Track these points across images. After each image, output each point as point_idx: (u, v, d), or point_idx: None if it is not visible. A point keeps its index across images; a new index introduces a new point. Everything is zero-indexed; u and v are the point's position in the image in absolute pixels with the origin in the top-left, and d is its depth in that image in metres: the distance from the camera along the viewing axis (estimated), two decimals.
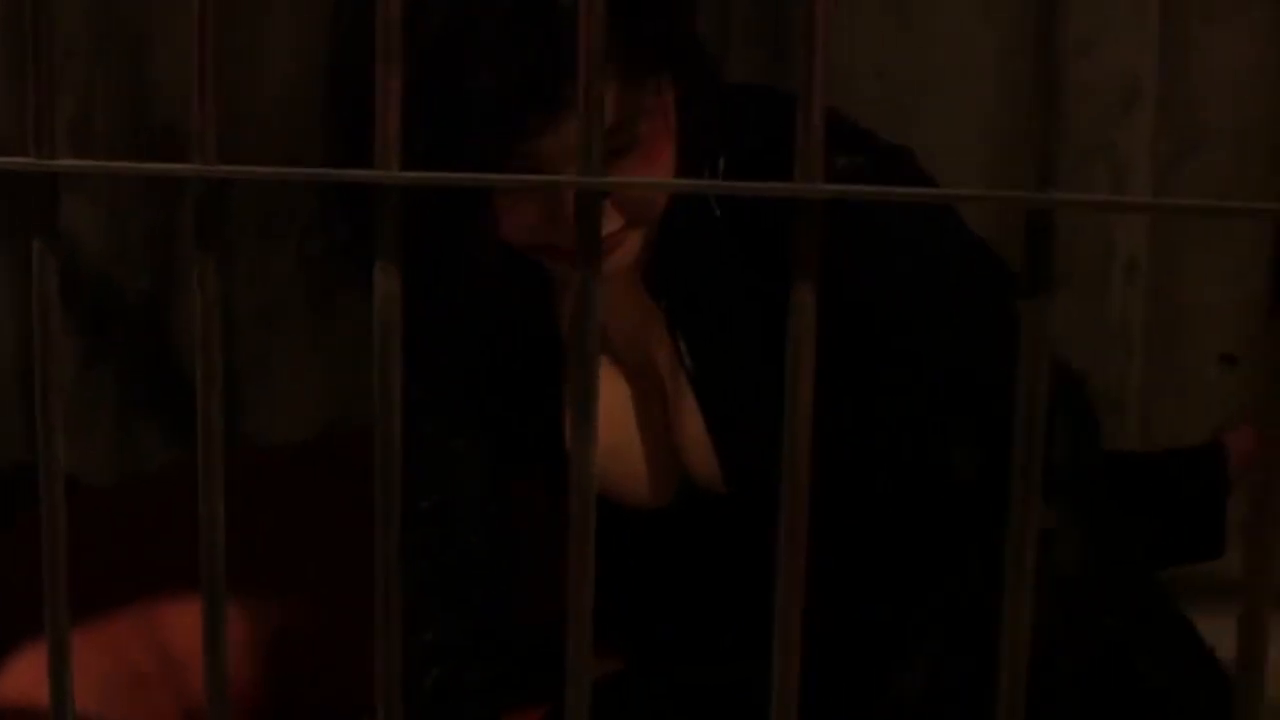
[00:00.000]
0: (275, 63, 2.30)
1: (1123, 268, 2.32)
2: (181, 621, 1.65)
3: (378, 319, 0.67)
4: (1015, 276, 0.66)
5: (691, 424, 1.36)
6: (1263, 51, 2.23)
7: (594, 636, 0.68)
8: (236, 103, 2.22)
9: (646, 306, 1.36)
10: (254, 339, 2.37)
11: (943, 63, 2.29)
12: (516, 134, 1.15)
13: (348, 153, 1.14)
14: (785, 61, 2.24)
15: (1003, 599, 0.64)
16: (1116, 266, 2.32)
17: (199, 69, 0.67)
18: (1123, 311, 2.30)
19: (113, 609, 1.67)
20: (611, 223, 1.20)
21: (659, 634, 1.52)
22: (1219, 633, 1.28)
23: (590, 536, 0.67)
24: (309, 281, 2.35)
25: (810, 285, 0.64)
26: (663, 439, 1.39)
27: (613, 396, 1.37)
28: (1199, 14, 2.26)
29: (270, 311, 2.38)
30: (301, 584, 1.72)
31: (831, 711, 1.30)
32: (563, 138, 1.14)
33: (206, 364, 0.67)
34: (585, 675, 0.68)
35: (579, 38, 0.64)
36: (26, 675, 1.54)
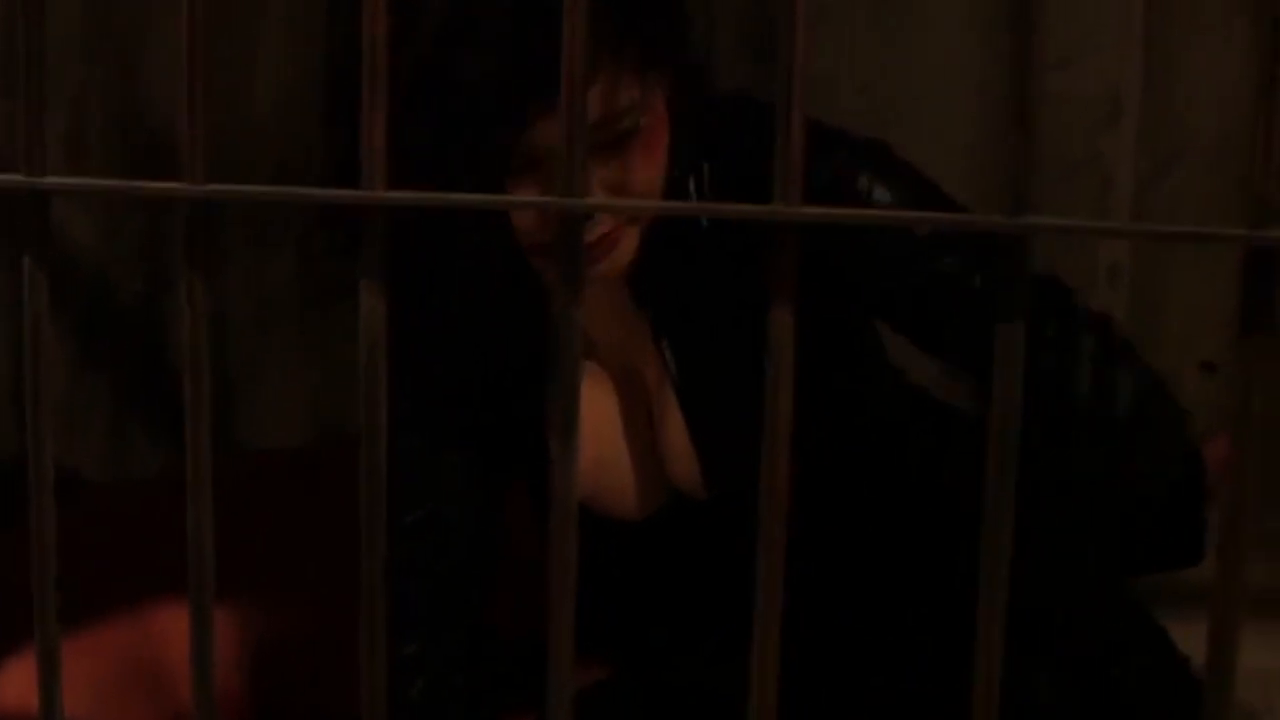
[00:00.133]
0: (269, 69, 2.30)
1: (1106, 273, 2.34)
2: (176, 627, 1.65)
3: (363, 338, 0.67)
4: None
5: (675, 431, 1.36)
6: (1245, 65, 2.25)
7: (580, 645, 0.69)
8: (231, 109, 2.23)
9: (632, 314, 1.37)
10: (248, 346, 2.37)
11: (927, 78, 2.30)
12: (516, 124, 1.15)
13: (346, 159, 1.14)
14: (770, 64, 2.24)
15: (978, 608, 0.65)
16: (1100, 271, 2.33)
17: (190, 88, 0.67)
18: None
19: (108, 612, 1.67)
20: (606, 223, 1.21)
21: (645, 641, 1.52)
22: (1194, 639, 1.28)
23: (573, 549, 0.67)
24: (303, 288, 2.35)
25: (789, 304, 0.65)
26: (649, 450, 1.39)
27: (599, 407, 1.37)
28: (1182, 28, 2.28)
29: (264, 319, 2.38)
30: (292, 592, 1.72)
31: (813, 715, 1.30)
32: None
33: (194, 383, 0.68)
34: (567, 684, 0.68)
35: (563, 49, 0.64)
36: (20, 681, 1.54)
